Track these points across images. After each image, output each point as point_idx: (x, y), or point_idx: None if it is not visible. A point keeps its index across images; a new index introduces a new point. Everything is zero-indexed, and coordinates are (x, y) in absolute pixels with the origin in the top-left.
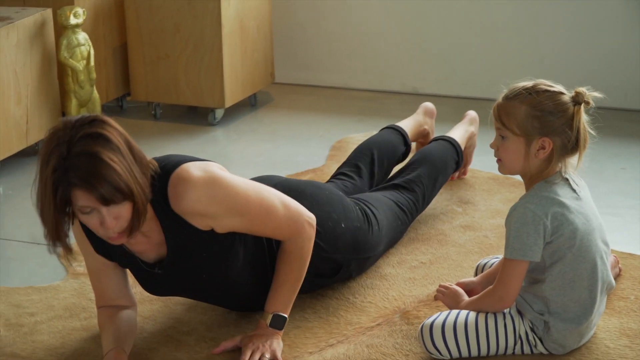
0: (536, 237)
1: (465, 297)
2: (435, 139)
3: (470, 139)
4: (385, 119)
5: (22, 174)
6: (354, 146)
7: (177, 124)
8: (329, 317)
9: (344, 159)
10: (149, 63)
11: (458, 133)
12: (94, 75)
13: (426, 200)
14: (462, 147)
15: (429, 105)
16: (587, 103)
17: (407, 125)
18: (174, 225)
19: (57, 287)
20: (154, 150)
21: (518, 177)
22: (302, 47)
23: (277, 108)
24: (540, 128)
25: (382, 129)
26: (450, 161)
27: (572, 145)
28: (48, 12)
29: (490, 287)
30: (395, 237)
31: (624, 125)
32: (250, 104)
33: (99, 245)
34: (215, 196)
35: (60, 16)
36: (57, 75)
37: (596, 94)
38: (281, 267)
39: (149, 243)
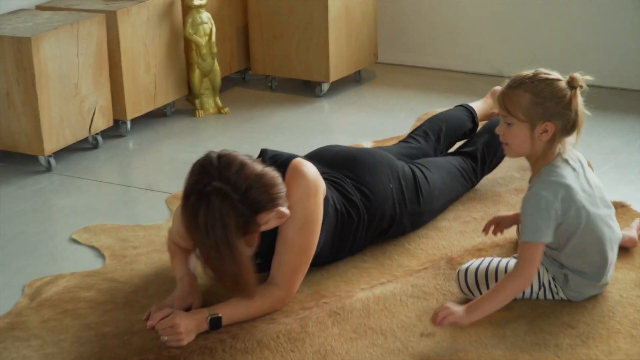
0: (549, 220)
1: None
2: None
3: None
4: (471, 98)
5: (149, 132)
6: None
7: (290, 95)
8: (384, 260)
9: None
10: (266, 41)
11: None
12: (215, 49)
13: (487, 165)
14: None
15: (498, 89)
16: (581, 87)
17: (478, 106)
18: None
19: (160, 226)
20: (270, 117)
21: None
22: (404, 31)
23: (379, 85)
24: (543, 113)
25: (456, 106)
26: None
27: (571, 125)
28: None
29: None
30: (452, 197)
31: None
32: (355, 79)
33: None
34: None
35: None
36: (183, 49)
37: (588, 77)
38: (256, 297)
39: None
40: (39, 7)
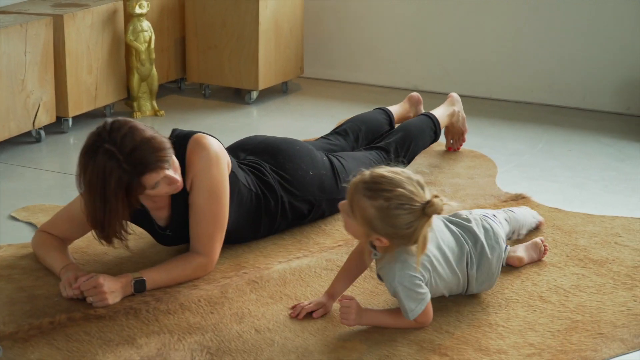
0: (422, 288)
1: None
2: (419, 115)
3: (454, 115)
4: None
5: (88, 130)
6: None
7: (222, 102)
8: (302, 238)
9: None
10: (201, 51)
11: (439, 110)
12: (153, 55)
13: (400, 161)
14: (442, 121)
15: (414, 95)
16: (439, 213)
17: (395, 110)
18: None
19: None
20: (203, 120)
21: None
22: (329, 48)
23: (304, 95)
24: (382, 230)
25: (375, 109)
26: (426, 130)
27: (410, 243)
28: (119, 3)
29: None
30: None
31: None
32: (282, 90)
33: (136, 216)
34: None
35: (129, 6)
36: (124, 55)
37: (451, 203)
38: (175, 260)
39: (166, 199)
40: None
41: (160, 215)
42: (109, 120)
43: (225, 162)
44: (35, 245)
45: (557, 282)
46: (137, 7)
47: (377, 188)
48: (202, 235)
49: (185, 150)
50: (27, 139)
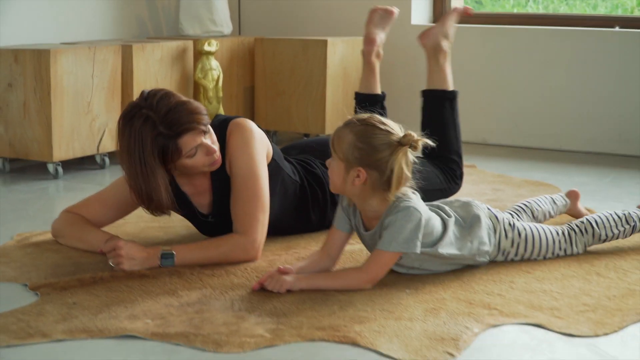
0: (419, 233)
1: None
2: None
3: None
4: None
5: None
6: None
7: None
8: None
9: None
10: (269, 98)
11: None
12: (220, 94)
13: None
14: (450, 78)
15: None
16: (414, 147)
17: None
18: (220, 170)
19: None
20: None
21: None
22: (395, 96)
23: None
24: (359, 159)
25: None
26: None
27: (385, 180)
28: (189, 42)
29: (358, 268)
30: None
31: None
32: None
33: (180, 205)
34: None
35: (198, 43)
36: (192, 93)
37: (428, 141)
38: (213, 239)
39: (201, 185)
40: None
41: (202, 201)
42: (145, 90)
43: (264, 145)
44: (64, 224)
45: (617, 265)
46: (206, 45)
47: (356, 119)
48: (241, 214)
49: (225, 133)
50: (91, 165)
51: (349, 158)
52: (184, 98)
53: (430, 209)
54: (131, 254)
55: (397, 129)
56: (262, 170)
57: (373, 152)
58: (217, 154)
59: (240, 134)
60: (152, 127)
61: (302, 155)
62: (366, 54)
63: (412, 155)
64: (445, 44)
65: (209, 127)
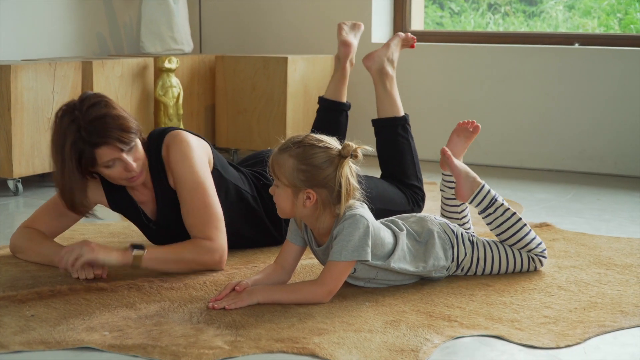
0: (368, 240)
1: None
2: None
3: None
4: None
5: None
6: None
7: None
8: None
9: None
10: (230, 116)
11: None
12: (181, 111)
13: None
14: (399, 102)
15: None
16: (355, 156)
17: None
18: (160, 180)
19: (110, 224)
20: None
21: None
22: (358, 112)
23: None
24: (306, 181)
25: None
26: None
27: (335, 195)
28: (150, 59)
29: (313, 281)
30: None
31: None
32: None
33: (115, 203)
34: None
35: (158, 60)
36: (152, 110)
37: (366, 147)
38: (179, 245)
39: (148, 194)
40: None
41: (147, 208)
42: (89, 92)
43: (204, 153)
44: (22, 239)
45: (578, 277)
46: (166, 62)
47: (290, 142)
48: (197, 224)
49: (161, 145)
50: (51, 181)
51: (295, 182)
52: (119, 112)
53: (381, 223)
54: (101, 248)
55: (334, 143)
56: (207, 179)
57: (318, 172)
58: (137, 171)
59: (177, 147)
60: (76, 130)
61: (257, 166)
62: (342, 58)
63: (355, 166)
64: (390, 69)
65: (137, 142)
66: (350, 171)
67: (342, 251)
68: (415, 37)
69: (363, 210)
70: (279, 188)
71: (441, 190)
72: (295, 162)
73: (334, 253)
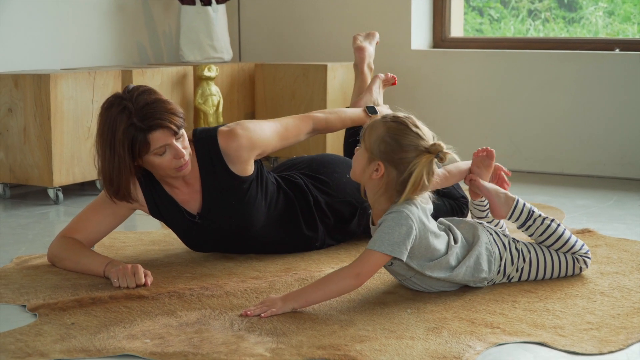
0: (409, 239)
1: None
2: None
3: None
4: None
5: None
6: None
7: None
8: (356, 253)
9: None
10: None
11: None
12: (221, 119)
13: None
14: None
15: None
16: (441, 158)
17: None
18: (211, 171)
19: (150, 232)
20: None
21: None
22: None
23: None
24: (383, 152)
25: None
26: None
27: (401, 181)
28: (189, 67)
29: (342, 270)
30: None
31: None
32: None
33: (155, 205)
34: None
35: (198, 69)
36: (192, 119)
37: (454, 155)
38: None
39: (190, 192)
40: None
41: (189, 207)
42: (131, 84)
43: (255, 146)
44: (60, 249)
45: (621, 284)
46: (206, 70)
47: (392, 115)
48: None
49: (216, 138)
50: (91, 190)
51: (373, 150)
52: (165, 98)
53: (441, 228)
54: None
55: (429, 136)
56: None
57: (397, 150)
58: (186, 159)
59: (243, 125)
60: (127, 117)
61: (285, 172)
62: (359, 63)
63: (437, 167)
64: (383, 110)
65: (184, 132)
66: (428, 169)
67: (378, 242)
68: (395, 76)
69: (415, 210)
70: (360, 149)
71: (470, 211)
72: (384, 132)
73: (372, 241)
